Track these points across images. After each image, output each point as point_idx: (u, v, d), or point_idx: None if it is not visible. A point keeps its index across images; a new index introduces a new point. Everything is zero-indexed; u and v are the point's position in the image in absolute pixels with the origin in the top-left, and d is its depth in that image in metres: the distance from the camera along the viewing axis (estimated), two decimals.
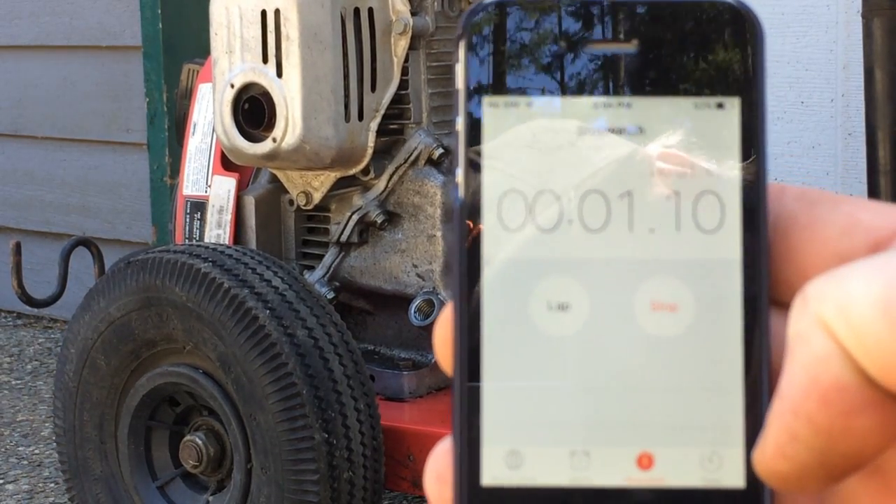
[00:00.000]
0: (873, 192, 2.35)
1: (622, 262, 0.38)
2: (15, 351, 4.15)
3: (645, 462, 0.38)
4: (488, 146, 0.38)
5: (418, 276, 2.39)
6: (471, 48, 0.39)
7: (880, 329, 0.32)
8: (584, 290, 0.38)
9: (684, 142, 0.38)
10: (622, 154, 0.38)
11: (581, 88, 0.38)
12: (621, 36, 0.39)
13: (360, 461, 2.13)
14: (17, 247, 2.68)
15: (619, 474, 0.37)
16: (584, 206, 0.38)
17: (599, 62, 0.39)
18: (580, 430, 0.38)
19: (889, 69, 2.31)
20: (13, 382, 3.82)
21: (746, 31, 0.39)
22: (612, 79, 0.39)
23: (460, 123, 0.38)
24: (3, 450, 3.26)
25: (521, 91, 0.39)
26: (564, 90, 0.38)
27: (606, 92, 0.38)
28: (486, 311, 0.38)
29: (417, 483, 2.23)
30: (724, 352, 0.38)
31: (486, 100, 0.39)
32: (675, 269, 0.38)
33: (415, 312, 2.35)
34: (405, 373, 2.40)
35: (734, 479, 0.37)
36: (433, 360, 2.42)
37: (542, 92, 0.38)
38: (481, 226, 0.38)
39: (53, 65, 4.29)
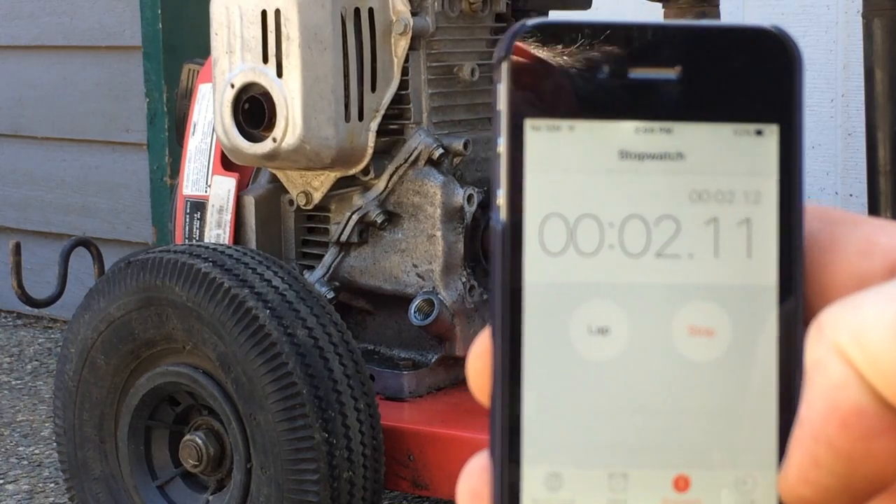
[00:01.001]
0: (873, 192, 2.36)
1: (661, 286, 0.38)
2: (15, 351, 4.15)
3: (681, 484, 0.38)
4: (530, 170, 0.38)
5: (418, 276, 2.39)
6: (512, 70, 0.39)
7: (895, 354, 0.32)
8: (624, 314, 0.38)
9: (723, 167, 0.39)
10: (662, 179, 0.39)
11: (622, 113, 0.39)
12: (663, 61, 0.39)
13: (360, 461, 2.13)
14: (17, 247, 2.68)
15: (655, 496, 0.38)
16: (624, 231, 0.38)
17: (641, 87, 0.39)
18: (618, 452, 0.38)
19: (889, 69, 2.31)
20: (13, 382, 3.82)
21: (786, 59, 0.39)
22: (653, 104, 0.39)
23: (502, 146, 0.39)
24: (3, 450, 3.26)
25: (563, 114, 0.39)
26: (606, 114, 0.39)
27: (647, 117, 0.39)
28: (526, 334, 0.38)
29: (417, 483, 2.23)
30: (759, 376, 0.38)
31: (529, 123, 0.39)
32: (712, 295, 0.38)
33: (415, 312, 2.36)
34: (405, 373, 2.40)
35: (768, 500, 0.38)
36: (433, 360, 2.42)
37: (584, 115, 0.39)
38: (523, 249, 0.38)
39: (53, 65, 4.29)
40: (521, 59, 0.39)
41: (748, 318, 0.38)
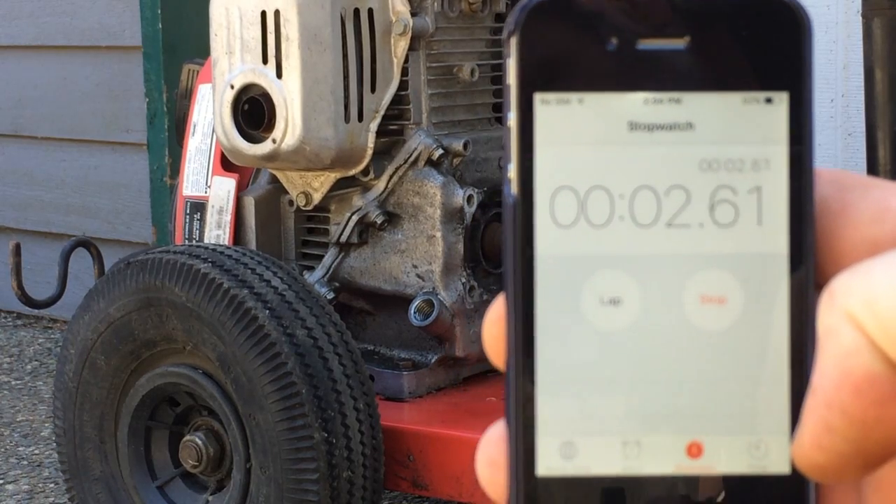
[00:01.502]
0: None
1: (672, 256, 0.39)
2: (15, 351, 4.15)
3: (694, 451, 0.39)
4: (540, 143, 0.39)
5: (418, 276, 2.39)
6: (522, 44, 0.39)
7: None
8: (636, 284, 0.39)
9: (733, 136, 0.39)
10: (672, 150, 0.39)
11: (631, 84, 0.39)
12: (671, 32, 0.39)
13: (360, 461, 2.13)
14: (17, 247, 2.68)
15: (669, 463, 0.39)
16: (634, 202, 0.39)
17: (649, 58, 0.39)
18: (632, 420, 0.39)
19: (889, 69, 2.31)
20: (13, 382, 3.83)
21: (795, 27, 0.39)
22: (661, 74, 0.39)
23: (512, 119, 0.39)
24: (3, 450, 3.26)
25: (572, 87, 0.39)
26: (615, 86, 0.39)
27: (656, 87, 0.39)
28: (539, 306, 0.39)
29: (417, 483, 2.23)
30: (771, 343, 0.39)
31: (538, 96, 0.39)
32: (723, 263, 0.39)
33: (414, 313, 2.36)
34: (405, 373, 2.40)
35: (780, 465, 0.38)
36: (433, 361, 2.42)
37: (593, 88, 0.39)
38: (534, 222, 0.39)
39: (53, 65, 4.29)
40: (529, 33, 0.39)
41: (760, 285, 0.39)
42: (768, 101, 0.39)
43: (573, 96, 0.39)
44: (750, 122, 0.39)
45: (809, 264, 0.38)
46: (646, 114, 0.39)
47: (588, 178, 0.39)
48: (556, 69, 0.39)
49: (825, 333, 0.35)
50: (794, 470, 0.38)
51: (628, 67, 0.39)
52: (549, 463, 0.39)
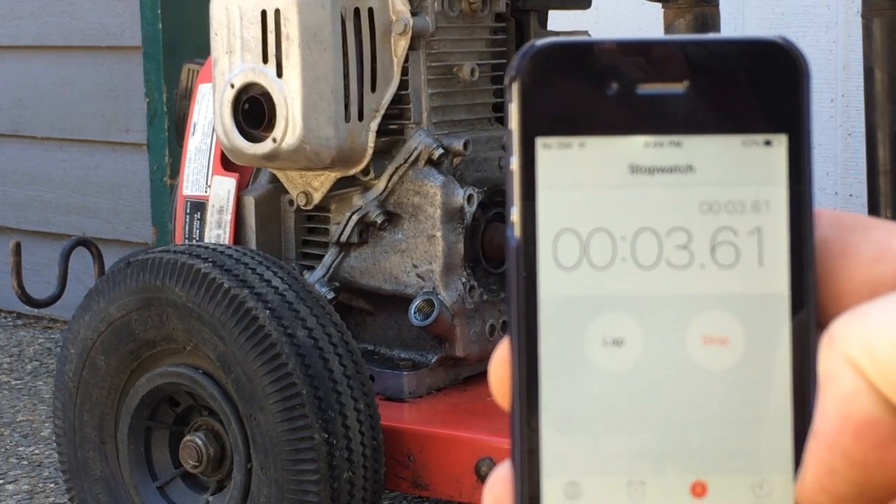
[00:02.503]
0: (873, 192, 2.36)
1: (674, 297, 0.39)
2: (15, 351, 4.15)
3: (698, 490, 0.39)
4: (542, 186, 0.39)
5: (418, 276, 2.39)
6: (523, 89, 0.39)
7: None
8: (638, 325, 0.39)
9: (733, 178, 0.39)
10: (672, 192, 0.39)
11: (632, 128, 0.39)
12: (670, 76, 0.39)
13: (360, 461, 2.13)
14: (17, 247, 2.68)
15: (673, 502, 0.39)
16: (636, 244, 0.39)
17: (649, 102, 0.39)
18: (636, 460, 0.39)
19: (889, 69, 2.31)
20: (13, 382, 3.82)
21: (793, 70, 0.39)
22: (661, 118, 0.39)
23: (515, 163, 0.39)
24: (3, 450, 3.26)
25: (574, 131, 0.39)
26: (615, 130, 0.39)
27: (656, 131, 0.39)
28: (542, 348, 0.39)
29: (417, 483, 2.23)
30: (774, 383, 0.39)
31: (540, 140, 0.39)
32: (725, 304, 0.39)
33: (415, 312, 2.35)
34: (405, 373, 2.40)
35: None
36: (433, 361, 2.42)
37: (594, 132, 0.39)
38: (537, 265, 0.39)
39: (53, 65, 4.29)
40: (530, 78, 0.39)
41: (761, 326, 0.39)
42: (767, 143, 0.39)
43: (574, 140, 0.39)
44: (749, 165, 0.39)
45: (811, 305, 0.39)
46: (646, 157, 0.39)
47: (590, 220, 0.39)
48: (557, 114, 0.39)
49: (826, 377, 0.35)
50: None
51: (628, 111, 0.39)
52: (555, 503, 0.39)
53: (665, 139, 0.39)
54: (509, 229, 0.40)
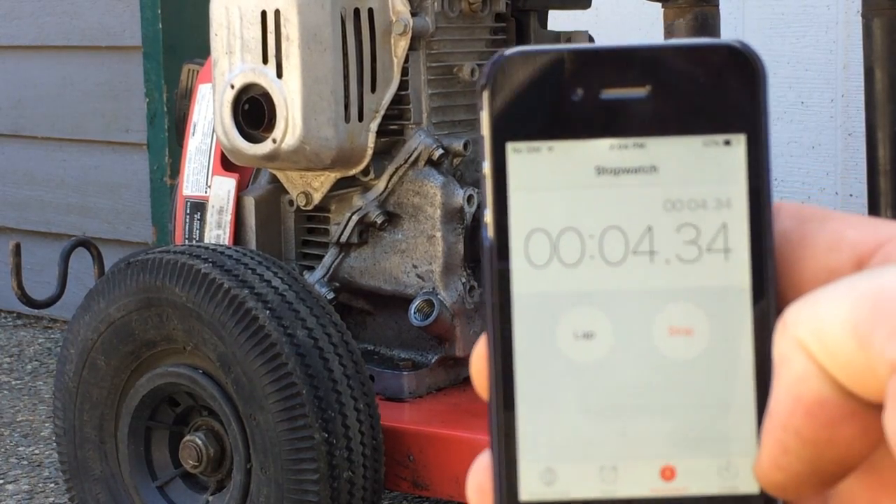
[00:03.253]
0: (873, 192, 2.36)
1: (641, 291, 0.41)
2: (15, 351, 4.15)
3: (668, 474, 0.41)
4: (513, 189, 0.41)
5: (418, 276, 2.39)
6: (493, 97, 0.41)
7: (850, 348, 0.35)
8: (607, 318, 0.41)
9: (695, 177, 0.41)
10: (637, 191, 0.41)
11: (597, 131, 0.41)
12: (633, 81, 0.41)
13: (360, 461, 2.13)
14: (17, 247, 2.68)
15: (644, 486, 0.41)
16: (604, 241, 0.41)
17: (613, 106, 0.41)
18: (608, 447, 0.41)
19: (889, 69, 2.31)
20: (13, 382, 3.83)
21: (749, 72, 0.41)
22: (625, 121, 0.41)
23: (487, 168, 0.41)
24: (3, 450, 3.26)
25: (542, 136, 0.41)
26: (582, 133, 0.41)
27: (621, 134, 0.41)
28: (517, 342, 0.41)
29: (417, 483, 2.23)
30: (738, 370, 0.41)
31: (510, 146, 0.41)
32: (689, 297, 0.41)
33: (415, 313, 2.36)
34: (405, 373, 2.40)
35: (749, 485, 0.40)
36: (433, 361, 2.42)
37: (562, 136, 0.41)
38: (510, 263, 0.41)
39: (53, 65, 4.29)
40: (499, 85, 0.41)
41: (725, 317, 0.41)
42: (727, 143, 0.41)
43: (543, 144, 0.41)
44: (710, 164, 0.41)
45: (771, 295, 0.41)
46: (612, 159, 0.41)
47: (559, 220, 0.41)
48: (525, 119, 0.41)
49: (779, 361, 0.37)
50: (763, 489, 0.40)
51: (594, 116, 0.41)
52: (531, 489, 0.41)
53: (629, 141, 0.41)
54: (484, 230, 0.41)
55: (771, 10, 3.48)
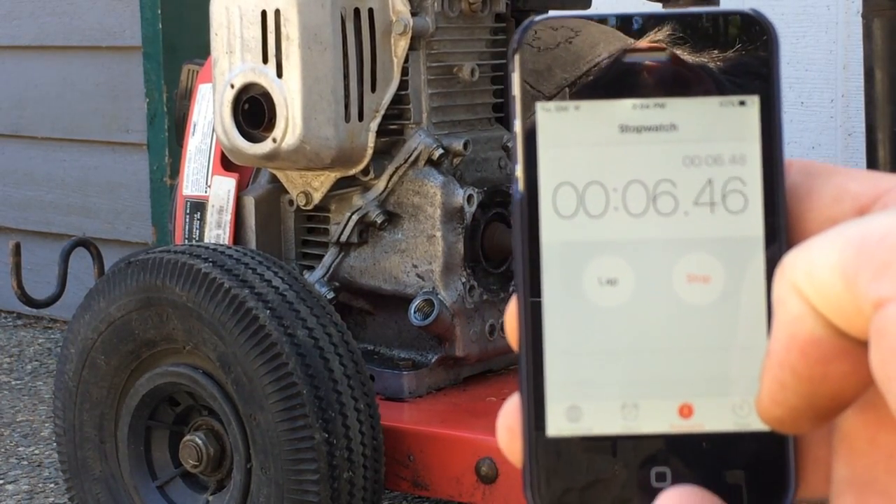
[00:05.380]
0: None
1: (661, 241, 0.44)
2: (15, 351, 4.15)
3: (685, 411, 0.44)
4: (542, 146, 0.44)
5: (418, 276, 2.39)
6: (524, 60, 0.45)
7: (838, 289, 0.37)
8: (630, 266, 0.44)
9: (712, 135, 0.44)
10: (658, 148, 0.44)
11: (620, 92, 0.44)
12: (655, 44, 0.44)
13: (360, 461, 2.13)
14: (17, 247, 2.68)
15: (663, 422, 0.44)
16: (627, 194, 0.44)
17: (636, 68, 0.44)
18: (629, 386, 0.44)
19: (889, 69, 2.31)
20: (13, 382, 3.83)
21: (764, 38, 0.44)
22: (647, 83, 0.44)
23: (518, 126, 0.44)
24: (3, 450, 3.26)
25: (569, 96, 0.44)
26: (606, 94, 0.44)
27: (643, 94, 0.44)
28: (545, 288, 0.44)
29: (417, 483, 2.23)
30: (750, 315, 0.44)
31: (539, 105, 0.44)
32: (707, 246, 0.44)
33: (415, 312, 2.35)
34: (405, 373, 2.40)
35: (761, 422, 0.42)
36: (433, 360, 2.42)
37: (587, 96, 0.44)
38: (539, 215, 0.44)
39: (53, 65, 4.29)
40: (529, 49, 0.44)
41: (739, 265, 0.44)
42: (742, 103, 0.44)
43: (570, 104, 0.44)
44: (726, 123, 0.44)
45: (782, 244, 0.44)
46: (634, 117, 0.44)
47: (585, 174, 0.44)
48: (553, 80, 0.43)
49: (777, 303, 0.40)
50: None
51: (617, 77, 0.44)
52: (558, 425, 0.44)
53: (651, 101, 0.44)
54: (514, 184, 0.44)
55: (771, 10, 3.47)
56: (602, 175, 0.44)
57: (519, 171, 0.44)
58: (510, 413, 0.45)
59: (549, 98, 0.44)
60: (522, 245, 0.44)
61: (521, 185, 0.44)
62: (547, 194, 0.44)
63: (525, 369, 0.44)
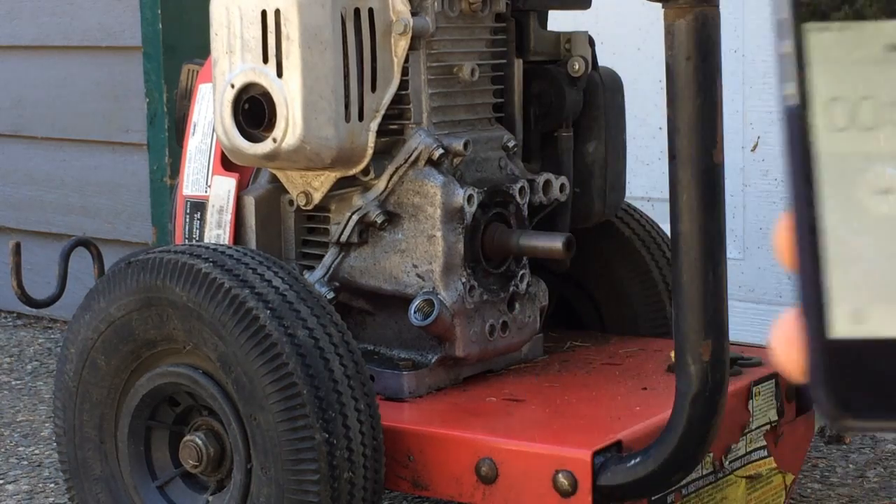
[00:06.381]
0: None
1: None
2: (15, 351, 4.15)
3: None
4: (812, 63, 0.46)
5: (418, 276, 2.39)
6: None
7: None
8: None
9: None
10: None
11: (885, 13, 0.46)
12: None
13: (361, 461, 2.13)
14: (17, 247, 2.68)
15: None
16: None
17: None
18: None
19: None
20: (13, 382, 3.83)
21: None
22: None
23: (789, 45, 0.47)
24: (3, 450, 3.26)
25: (836, 17, 0.46)
26: (872, 15, 0.46)
27: None
28: (822, 197, 0.46)
29: (417, 483, 2.23)
30: None
31: (808, 25, 0.47)
32: None
33: (415, 312, 2.35)
34: (405, 373, 2.40)
35: None
36: (433, 361, 2.42)
37: (854, 17, 0.46)
38: (814, 127, 0.46)
39: (53, 65, 4.29)
40: None
41: None
42: None
43: (836, 25, 0.46)
44: None
45: None
46: None
47: (855, 90, 0.46)
48: (821, 3, 0.46)
49: None
50: None
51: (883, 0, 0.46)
52: (841, 328, 0.45)
53: None
54: (787, 100, 0.46)
55: (771, 10, 3.47)
56: (872, 91, 0.45)
57: (791, 87, 0.46)
58: (786, 324, 0.46)
59: (817, 19, 0.46)
60: (796, 155, 0.46)
61: (794, 100, 0.46)
62: (820, 108, 0.46)
63: (806, 277, 0.46)
